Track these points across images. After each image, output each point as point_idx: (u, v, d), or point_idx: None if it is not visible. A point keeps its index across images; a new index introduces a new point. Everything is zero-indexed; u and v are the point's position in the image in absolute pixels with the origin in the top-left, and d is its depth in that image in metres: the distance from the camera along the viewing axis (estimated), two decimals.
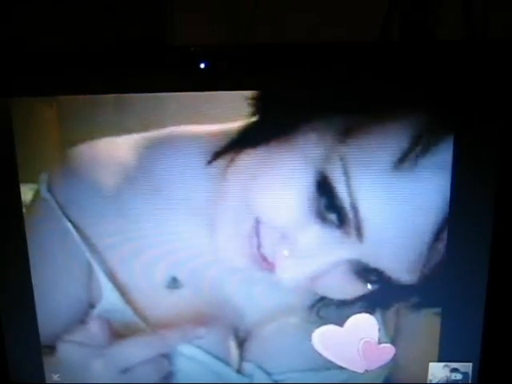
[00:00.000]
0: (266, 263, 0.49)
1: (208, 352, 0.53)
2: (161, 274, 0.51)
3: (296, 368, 0.54)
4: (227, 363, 0.53)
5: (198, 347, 0.53)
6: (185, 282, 0.51)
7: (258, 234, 0.48)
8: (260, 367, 0.54)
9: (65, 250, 0.50)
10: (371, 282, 0.49)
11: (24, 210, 0.49)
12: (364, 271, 0.49)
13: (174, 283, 0.51)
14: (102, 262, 0.50)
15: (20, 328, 0.53)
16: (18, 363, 0.54)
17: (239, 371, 0.54)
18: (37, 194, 0.49)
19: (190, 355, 0.53)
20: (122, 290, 0.51)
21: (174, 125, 0.47)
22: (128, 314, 0.52)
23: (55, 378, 0.54)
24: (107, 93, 0.47)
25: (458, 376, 0.53)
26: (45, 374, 0.54)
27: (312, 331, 0.52)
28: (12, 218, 0.50)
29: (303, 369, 0.54)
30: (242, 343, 0.53)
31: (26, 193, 0.49)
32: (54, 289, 0.52)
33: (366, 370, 0.53)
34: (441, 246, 0.49)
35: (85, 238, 0.50)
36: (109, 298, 0.51)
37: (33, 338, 0.53)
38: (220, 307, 0.52)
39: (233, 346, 0.53)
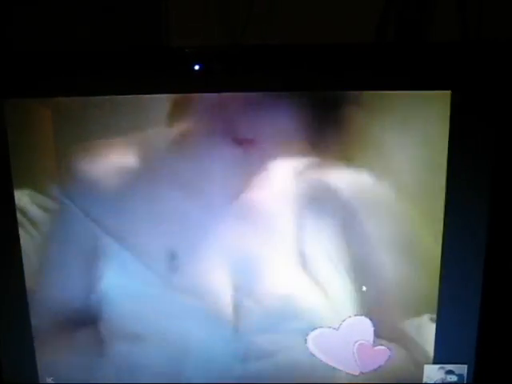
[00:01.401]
0: None
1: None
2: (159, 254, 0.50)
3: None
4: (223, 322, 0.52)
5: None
6: (181, 258, 0.50)
7: None
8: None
9: (59, 252, 0.51)
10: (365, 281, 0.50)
11: (18, 213, 0.49)
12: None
13: (172, 259, 0.50)
14: (97, 262, 0.51)
15: (13, 328, 0.53)
16: (11, 364, 0.54)
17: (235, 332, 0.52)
18: (32, 195, 0.49)
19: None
20: (117, 290, 0.51)
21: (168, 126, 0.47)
22: (124, 313, 0.52)
23: (49, 380, 0.54)
24: (101, 94, 0.47)
25: (453, 378, 0.53)
26: (38, 374, 0.54)
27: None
28: (6, 221, 0.50)
29: None
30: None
31: (22, 195, 0.49)
32: (49, 290, 0.52)
33: (362, 373, 0.53)
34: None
35: (79, 239, 0.50)
36: (103, 298, 0.51)
37: (26, 338, 0.53)
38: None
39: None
